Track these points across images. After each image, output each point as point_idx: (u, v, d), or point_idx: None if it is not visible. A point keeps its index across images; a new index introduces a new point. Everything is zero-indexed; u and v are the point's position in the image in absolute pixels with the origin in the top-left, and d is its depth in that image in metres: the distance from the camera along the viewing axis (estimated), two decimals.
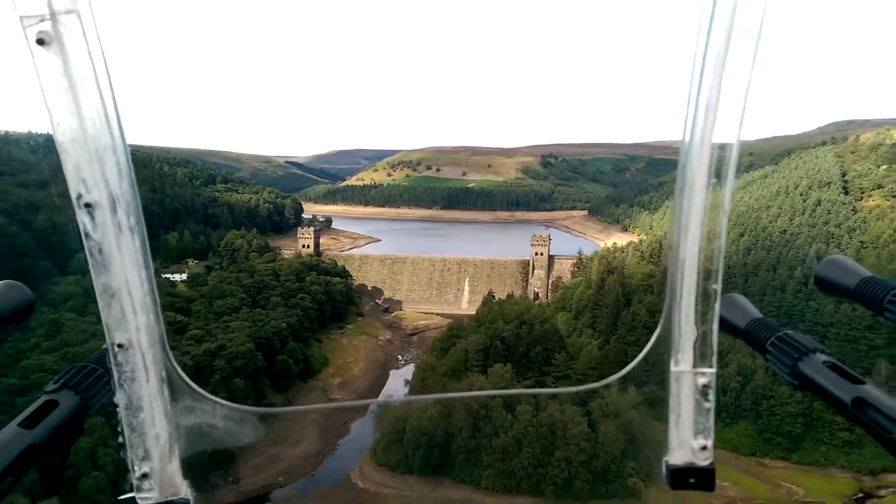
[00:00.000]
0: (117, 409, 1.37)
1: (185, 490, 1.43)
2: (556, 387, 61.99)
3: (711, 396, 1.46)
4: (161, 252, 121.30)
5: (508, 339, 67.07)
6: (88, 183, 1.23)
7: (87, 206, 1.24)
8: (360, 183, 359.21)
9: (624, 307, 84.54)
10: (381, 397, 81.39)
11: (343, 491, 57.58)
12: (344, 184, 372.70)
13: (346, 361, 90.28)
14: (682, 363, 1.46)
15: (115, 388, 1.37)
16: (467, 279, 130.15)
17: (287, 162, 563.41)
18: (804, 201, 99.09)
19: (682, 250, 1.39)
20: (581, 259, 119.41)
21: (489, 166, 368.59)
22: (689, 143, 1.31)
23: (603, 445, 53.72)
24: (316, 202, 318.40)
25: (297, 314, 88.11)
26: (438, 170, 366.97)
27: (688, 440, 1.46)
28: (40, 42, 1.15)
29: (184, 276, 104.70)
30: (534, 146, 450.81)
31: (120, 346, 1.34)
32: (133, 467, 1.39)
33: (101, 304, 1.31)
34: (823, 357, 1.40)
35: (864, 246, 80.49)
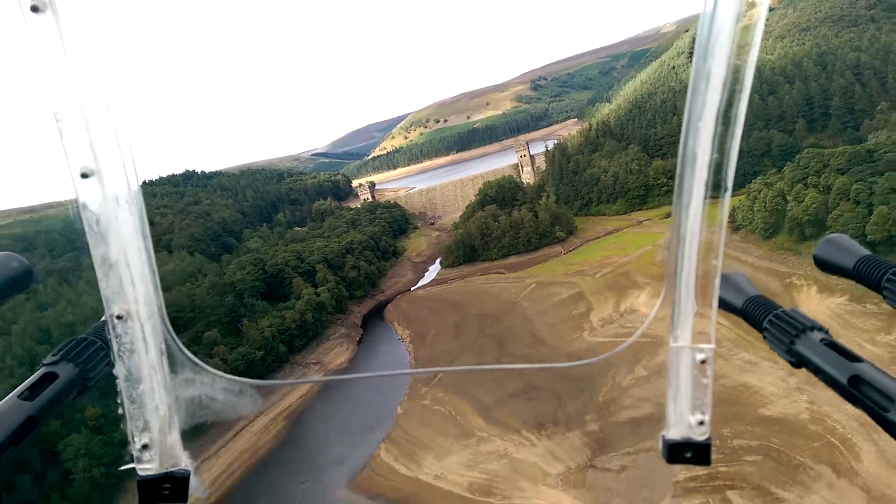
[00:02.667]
0: (117, 380, 1.38)
1: (185, 461, 1.44)
2: (520, 210, 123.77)
3: (710, 372, 1.49)
4: (275, 226, 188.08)
5: (493, 193, 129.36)
6: (85, 153, 1.24)
7: (84, 176, 1.25)
8: (384, 152, 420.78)
9: (567, 164, 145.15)
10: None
11: (434, 282, 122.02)
12: (369, 157, 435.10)
13: (415, 247, 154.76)
14: (681, 339, 1.49)
15: (115, 360, 1.37)
16: (479, 186, 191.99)
17: (313, 155, 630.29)
18: (671, 69, 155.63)
19: (684, 226, 1.41)
20: (548, 150, 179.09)
21: (487, 104, 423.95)
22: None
23: (541, 223, 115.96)
24: (352, 178, 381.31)
25: (379, 227, 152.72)
26: (445, 120, 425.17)
27: (685, 415, 1.49)
28: (34, 9, 1.15)
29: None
30: (524, 74, 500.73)
31: (119, 317, 1.35)
32: (133, 438, 1.40)
33: (99, 275, 1.32)
34: (820, 335, 1.43)
35: (678, 90, 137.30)
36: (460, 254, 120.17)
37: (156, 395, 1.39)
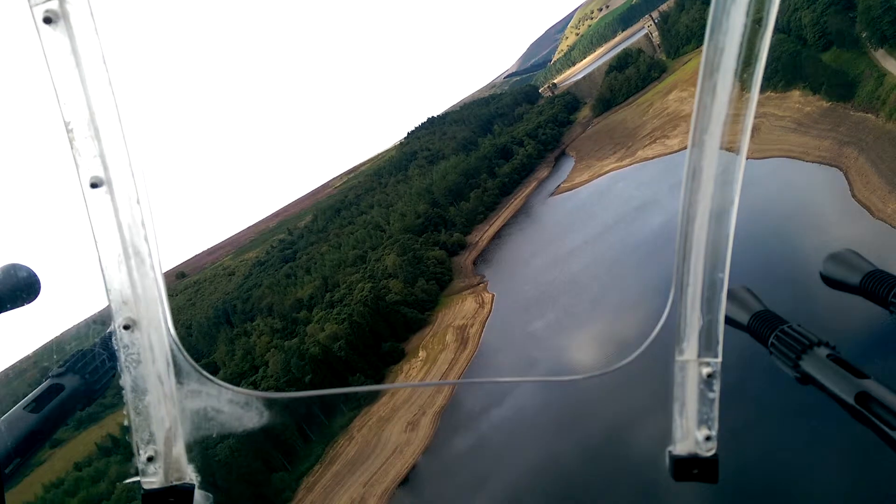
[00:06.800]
0: (123, 391, 1.41)
1: (189, 474, 1.45)
2: (628, 69, 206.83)
3: (716, 386, 1.50)
4: (495, 134, 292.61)
5: (614, 63, 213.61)
6: (94, 161, 1.28)
7: (94, 186, 1.29)
8: (561, 54, 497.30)
9: (664, 24, 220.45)
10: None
11: (591, 128, 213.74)
12: (551, 63, 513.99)
13: (583, 115, 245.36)
14: (686, 352, 1.50)
15: (121, 371, 1.39)
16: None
17: (506, 77, 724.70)
18: None
19: (689, 238, 1.42)
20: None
21: None
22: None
23: (641, 72, 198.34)
24: (539, 86, 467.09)
25: (556, 108, 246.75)
26: (607, 6, 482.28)
27: (692, 430, 1.50)
28: (47, 21, 1.19)
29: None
30: None
31: (126, 327, 1.38)
32: (138, 451, 1.42)
33: (106, 285, 1.35)
34: (826, 351, 1.44)
35: None
36: (601, 107, 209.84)
37: (161, 406, 1.41)
